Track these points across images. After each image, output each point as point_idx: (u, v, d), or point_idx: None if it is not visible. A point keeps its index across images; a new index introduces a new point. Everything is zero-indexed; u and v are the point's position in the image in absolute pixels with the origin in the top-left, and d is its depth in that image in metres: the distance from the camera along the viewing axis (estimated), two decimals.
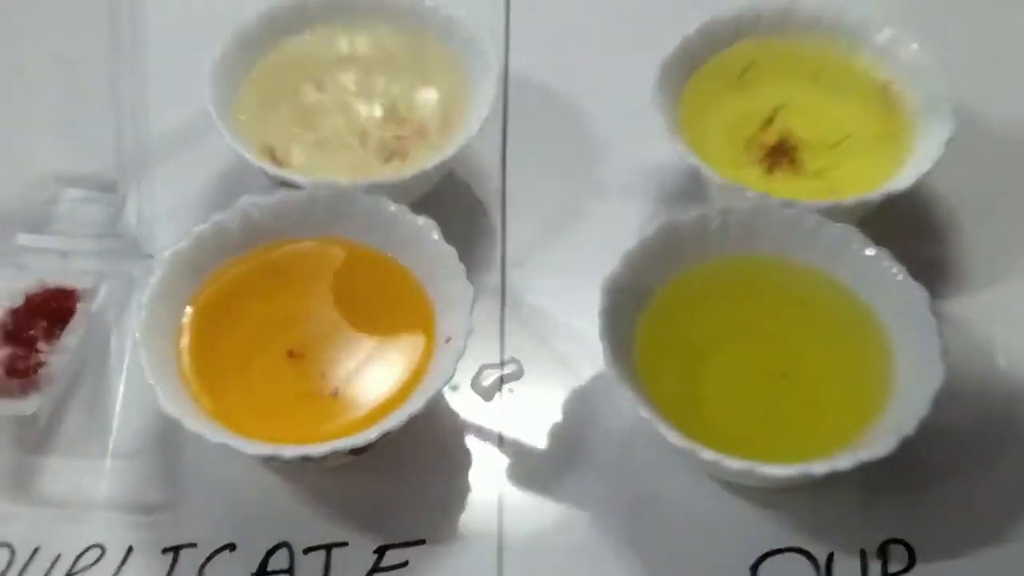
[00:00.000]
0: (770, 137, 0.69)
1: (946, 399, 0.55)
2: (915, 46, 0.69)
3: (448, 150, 0.66)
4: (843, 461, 0.55)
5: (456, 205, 0.70)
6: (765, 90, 0.71)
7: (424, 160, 0.67)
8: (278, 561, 0.58)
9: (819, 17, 0.71)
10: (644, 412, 0.56)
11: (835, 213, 0.62)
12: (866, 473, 0.55)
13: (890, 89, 0.70)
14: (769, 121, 0.69)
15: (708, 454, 0.55)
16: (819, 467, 0.54)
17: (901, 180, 0.64)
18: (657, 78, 0.68)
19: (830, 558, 0.57)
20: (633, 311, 0.61)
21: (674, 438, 0.55)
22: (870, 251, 0.61)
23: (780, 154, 0.68)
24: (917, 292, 0.59)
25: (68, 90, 0.69)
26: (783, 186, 0.67)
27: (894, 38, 0.70)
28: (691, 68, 0.70)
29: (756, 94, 0.71)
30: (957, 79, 0.67)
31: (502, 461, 0.61)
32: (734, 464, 0.55)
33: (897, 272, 0.60)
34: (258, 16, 0.72)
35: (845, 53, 0.71)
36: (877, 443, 0.55)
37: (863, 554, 0.58)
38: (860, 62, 0.71)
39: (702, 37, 0.71)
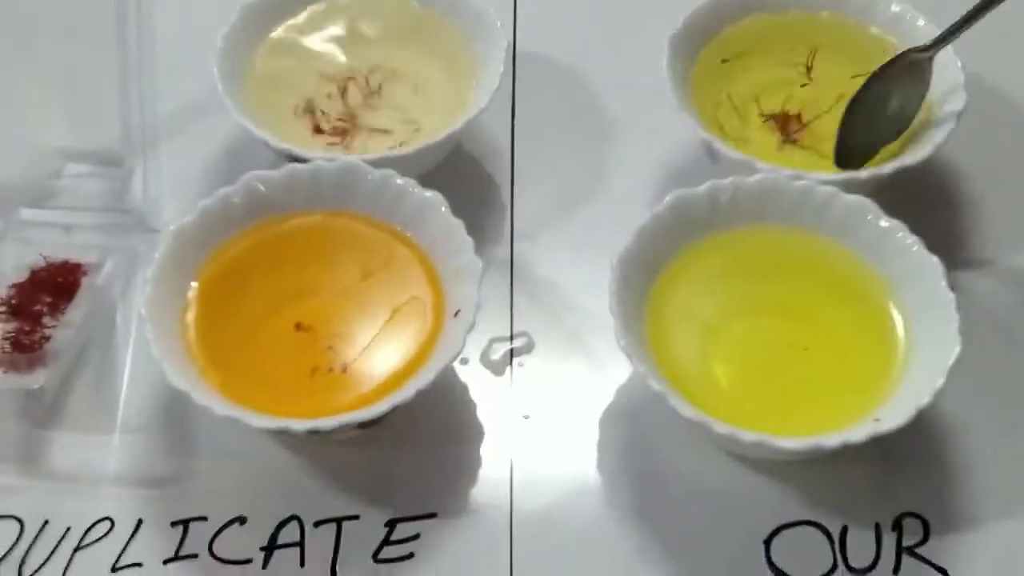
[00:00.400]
0: (782, 109, 0.68)
1: (961, 371, 0.55)
2: (923, 19, 0.69)
3: (457, 123, 0.66)
4: (856, 433, 0.54)
5: (465, 179, 0.69)
6: (775, 63, 0.70)
7: (433, 133, 0.66)
8: (288, 534, 0.57)
9: None
10: (656, 385, 0.55)
11: (849, 186, 0.62)
12: (881, 446, 0.54)
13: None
14: (779, 93, 0.69)
15: (721, 427, 0.54)
16: (832, 439, 0.54)
17: (915, 153, 0.64)
18: (668, 52, 0.67)
19: (844, 531, 0.57)
20: (644, 284, 0.60)
21: (686, 411, 0.55)
22: (884, 223, 0.60)
23: (791, 127, 0.68)
24: (932, 263, 0.59)
25: (74, 66, 0.68)
26: (795, 158, 0.66)
27: (903, 11, 0.70)
28: (701, 42, 0.70)
29: (767, 67, 0.70)
30: (968, 52, 0.67)
31: (512, 434, 0.61)
32: (747, 437, 0.54)
33: (912, 243, 0.59)
34: None
35: (855, 26, 0.71)
36: (893, 415, 0.54)
37: (877, 527, 0.57)
38: (870, 35, 0.70)
39: (711, 11, 0.70)
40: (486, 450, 0.60)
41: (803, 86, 0.69)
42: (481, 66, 0.69)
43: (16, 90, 0.67)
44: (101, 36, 0.66)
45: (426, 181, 0.62)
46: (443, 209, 0.61)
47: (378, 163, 0.63)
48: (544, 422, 0.61)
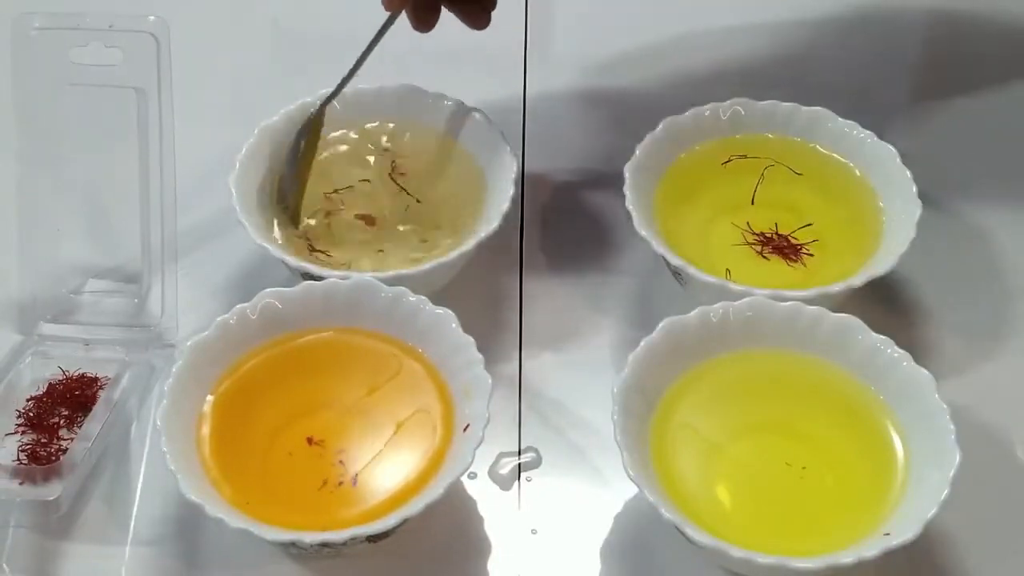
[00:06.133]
0: (750, 225, 0.69)
1: (960, 482, 0.55)
2: (873, 136, 0.70)
3: (468, 243, 0.66)
4: (870, 549, 0.53)
5: (475, 297, 0.69)
6: (739, 181, 0.71)
7: (444, 252, 0.67)
8: None
9: (790, 114, 0.72)
10: (668, 515, 0.54)
11: (821, 300, 0.61)
12: (889, 561, 0.53)
13: (857, 176, 0.70)
14: (745, 212, 0.69)
15: (738, 552, 0.53)
16: (847, 556, 0.53)
17: (881, 264, 0.64)
18: (628, 181, 0.67)
19: None
20: (645, 411, 0.59)
21: (702, 538, 0.53)
22: (873, 339, 0.60)
23: (760, 243, 0.68)
24: (924, 376, 0.58)
25: (97, 184, 0.69)
26: (767, 273, 0.66)
27: (849, 128, 0.71)
28: (659, 169, 0.70)
29: (731, 186, 0.71)
30: (922, 167, 0.68)
31: (520, 549, 0.60)
32: (764, 560, 0.53)
33: (901, 358, 0.59)
34: (284, 114, 0.72)
35: (801, 145, 0.72)
36: (902, 528, 0.54)
37: None
38: (823, 153, 0.72)
39: (665, 139, 0.71)
40: (494, 564, 0.59)
41: (766, 202, 0.70)
42: (492, 188, 0.70)
43: (40, 208, 0.67)
44: (123, 156, 0.66)
45: (437, 298, 0.62)
46: (454, 326, 0.61)
47: (391, 280, 0.63)
48: (552, 537, 0.60)
